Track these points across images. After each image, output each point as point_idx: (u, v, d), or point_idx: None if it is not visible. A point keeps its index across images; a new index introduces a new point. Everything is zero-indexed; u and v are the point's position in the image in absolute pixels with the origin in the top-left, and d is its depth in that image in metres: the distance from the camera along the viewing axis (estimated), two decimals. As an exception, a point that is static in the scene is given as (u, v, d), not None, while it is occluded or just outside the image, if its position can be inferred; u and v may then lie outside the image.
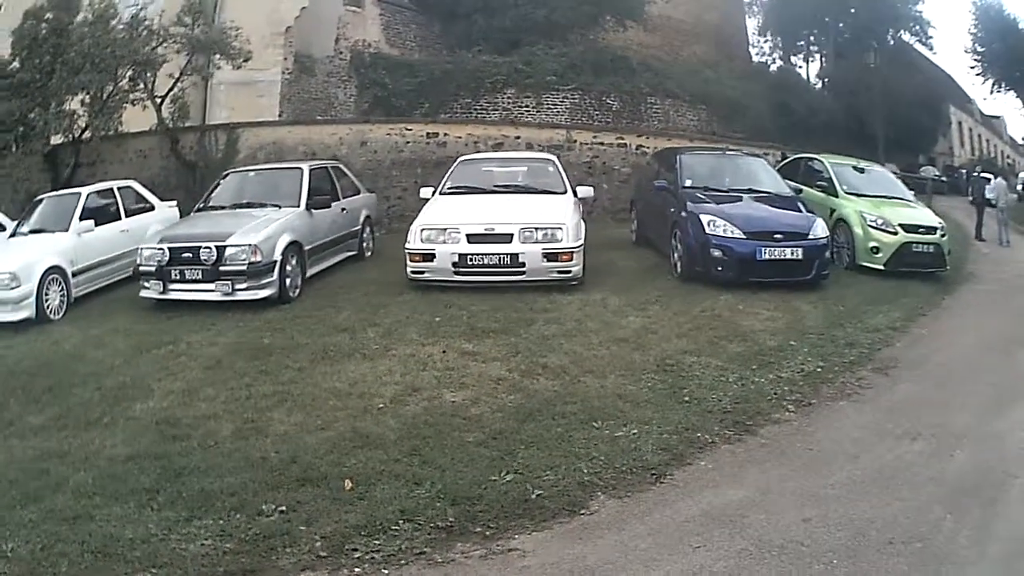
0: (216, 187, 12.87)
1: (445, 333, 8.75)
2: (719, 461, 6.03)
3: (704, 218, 11.43)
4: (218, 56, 18.23)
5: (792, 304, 10.71)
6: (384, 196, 17.75)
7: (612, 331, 9.03)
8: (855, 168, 15.44)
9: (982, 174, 25.81)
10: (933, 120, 38.03)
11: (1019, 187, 33.56)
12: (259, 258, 10.00)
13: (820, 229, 11.73)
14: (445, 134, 19.03)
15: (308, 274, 11.20)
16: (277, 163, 15.81)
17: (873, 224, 13.29)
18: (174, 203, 14.16)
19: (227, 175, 13.37)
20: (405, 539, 4.66)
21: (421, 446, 5.88)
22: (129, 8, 18.32)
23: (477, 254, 10.24)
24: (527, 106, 25.25)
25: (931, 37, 39.55)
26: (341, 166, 14.71)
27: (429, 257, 10.35)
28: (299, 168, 12.53)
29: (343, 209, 13.01)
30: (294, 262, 10.75)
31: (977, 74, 34.46)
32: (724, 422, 6.71)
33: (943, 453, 6.47)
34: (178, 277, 10.19)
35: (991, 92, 35.16)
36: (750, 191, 12.73)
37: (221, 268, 9.93)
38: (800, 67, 40.71)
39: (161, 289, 10.26)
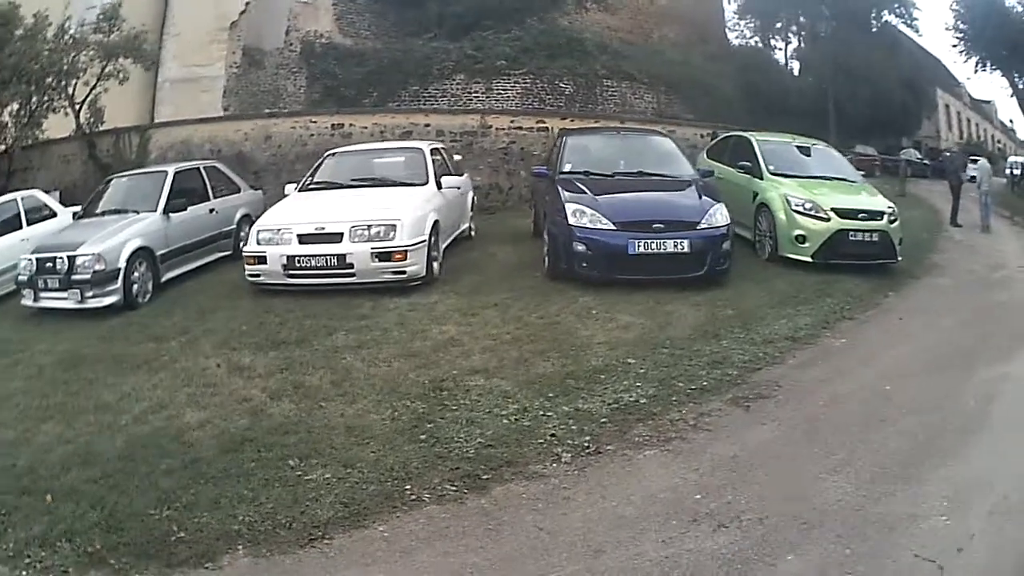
0: (97, 193, 12.02)
1: (239, 343, 7.50)
2: (401, 529, 4.34)
3: (569, 207, 9.19)
4: (129, 60, 17.85)
5: (667, 307, 8.30)
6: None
7: (412, 343, 7.29)
8: (799, 148, 12.63)
9: (970, 156, 22.53)
10: (918, 103, 34.69)
11: (1007, 171, 30.20)
12: (103, 266, 9.42)
13: (718, 217, 9.27)
14: (351, 124, 17.09)
15: (165, 278, 10.41)
16: (151, 167, 14.54)
17: (799, 209, 10.60)
18: (78, 209, 12.99)
19: (109, 180, 12.45)
20: (61, 557, 4.20)
21: (123, 468, 5.07)
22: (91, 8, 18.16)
23: (305, 256, 8.97)
24: (476, 92, 22.87)
25: (916, 19, 36.17)
26: (218, 165, 13.54)
27: (262, 260, 9.13)
28: (164, 171, 11.63)
29: (212, 210, 11.94)
30: (143, 268, 10.01)
31: (960, 52, 30.65)
32: (454, 472, 4.89)
33: (763, 555, 3.96)
34: (44, 286, 9.69)
35: (975, 71, 31.58)
36: (640, 175, 10.37)
37: (73, 277, 9.44)
38: (779, 49, 37.40)
39: (34, 298, 9.80)
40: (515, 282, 9.53)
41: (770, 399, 6.07)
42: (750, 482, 4.73)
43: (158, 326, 8.49)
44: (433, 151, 11.66)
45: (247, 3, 22.62)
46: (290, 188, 11.06)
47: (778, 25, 35.03)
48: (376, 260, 8.81)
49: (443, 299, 8.75)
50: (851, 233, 10.40)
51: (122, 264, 9.58)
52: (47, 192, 13.85)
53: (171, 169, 11.62)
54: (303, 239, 9.00)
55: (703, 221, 9.10)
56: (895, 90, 31.10)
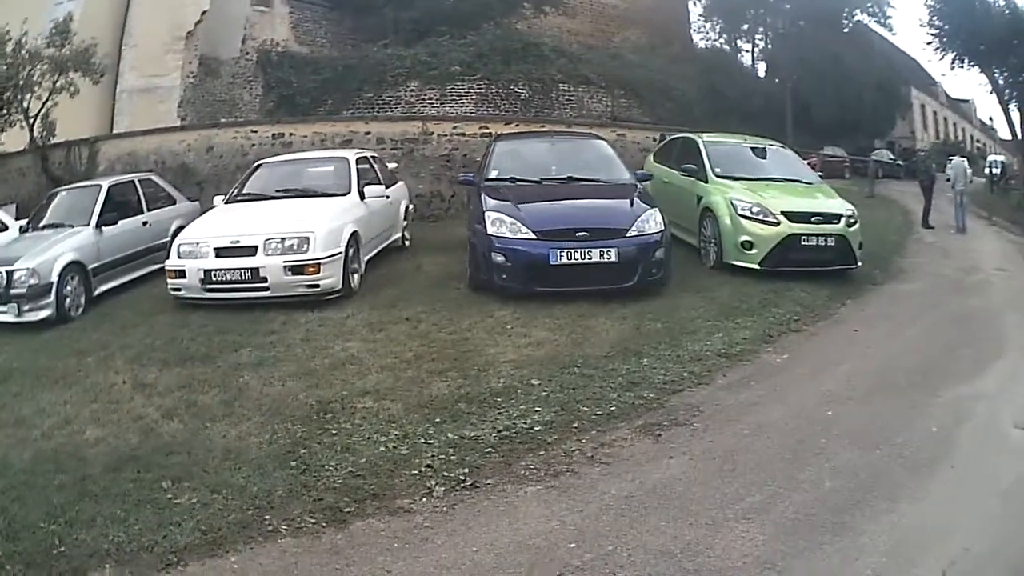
0: (42, 207, 11.84)
1: (149, 359, 7.22)
2: (253, 562, 3.99)
3: (488, 216, 8.59)
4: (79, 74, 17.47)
5: (589, 321, 7.61)
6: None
7: (313, 361, 6.82)
8: (751, 149, 11.76)
9: (948, 155, 21.84)
10: (890, 103, 33.95)
11: (986, 171, 29.52)
12: (36, 280, 9.33)
13: (651, 223, 8.55)
14: (291, 134, 16.58)
15: (98, 291, 10.27)
16: (89, 181, 13.95)
17: (746, 213, 9.79)
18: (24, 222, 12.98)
19: (53, 194, 12.22)
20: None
21: (26, 480, 4.92)
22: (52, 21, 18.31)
23: (220, 269, 8.73)
24: (430, 99, 22.56)
25: (890, 18, 35.34)
26: (153, 177, 13.34)
27: (181, 274, 8.91)
28: (98, 186, 11.53)
29: (145, 223, 11.71)
30: (75, 282, 9.87)
31: (935, 49, 29.72)
32: (317, 503, 4.45)
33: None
34: None
35: (951, 68, 30.65)
36: (570, 180, 9.60)
37: (11, 291, 9.32)
38: (746, 52, 36.56)
39: None
40: (436, 294, 8.92)
41: (686, 427, 5.33)
42: (640, 529, 4.02)
43: (84, 340, 8.28)
44: (361, 160, 11.26)
45: (203, 12, 22.27)
46: (218, 200, 10.77)
47: (744, 27, 34.19)
48: (289, 273, 8.49)
49: (356, 313, 8.26)
50: (803, 238, 9.63)
51: (54, 278, 9.45)
52: (2, 206, 13.71)
53: (105, 183, 11.52)
54: (220, 253, 8.74)
55: (633, 228, 8.37)
56: (866, 90, 30.48)
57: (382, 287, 9.42)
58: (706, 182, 10.63)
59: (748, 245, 9.62)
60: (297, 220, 8.95)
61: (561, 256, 8.10)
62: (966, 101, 53.39)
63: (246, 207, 10.08)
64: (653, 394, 5.82)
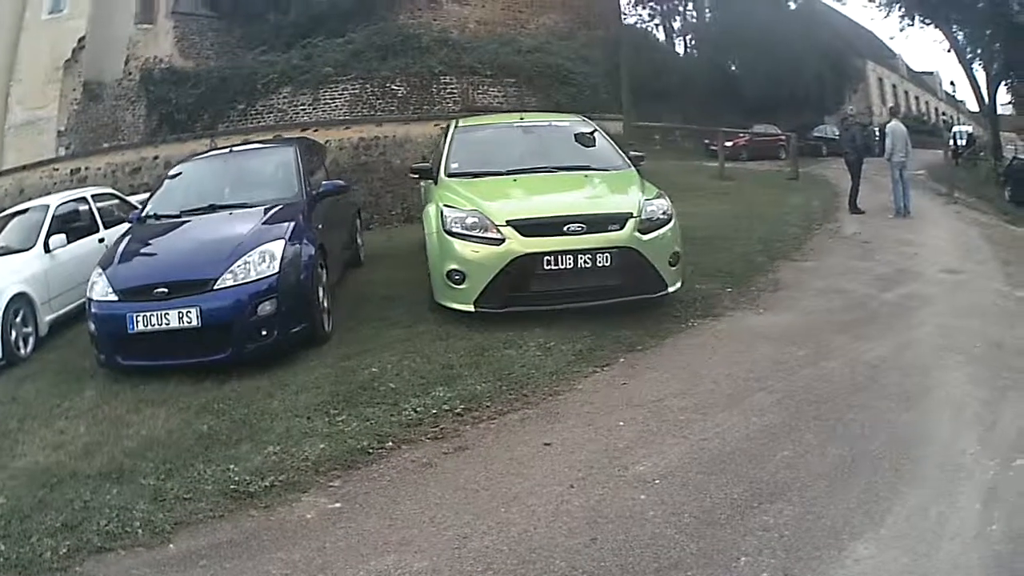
0: None
1: None
2: None
3: (93, 275, 6.85)
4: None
5: (140, 414, 5.52)
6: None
7: None
8: (579, 136, 8.23)
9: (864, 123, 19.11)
10: (839, 77, 30.86)
11: (951, 143, 26.68)
12: None
13: (263, 264, 6.30)
14: (86, 168, 16.07)
15: None
16: None
17: (455, 228, 6.79)
18: None
19: None
20: None
21: None
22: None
23: None
24: (303, 104, 20.93)
25: (835, -14, 32.27)
26: None
27: None
28: None
29: None
30: None
31: (878, 6, 26.41)
32: None
33: None
34: None
35: (900, 29, 27.14)
36: (212, 209, 7.53)
37: None
38: (679, 33, 33.64)
39: None
40: (84, 362, 7.02)
41: None
42: None
43: None
44: (76, 201, 10.18)
45: (80, 39, 21.78)
46: None
47: (675, 3, 31.20)
48: None
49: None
50: (546, 259, 6.48)
51: None
52: None
53: None
54: None
55: (225, 276, 6.22)
56: (809, 64, 27.86)
57: (59, 349, 8.06)
58: (436, 184, 7.86)
59: (458, 277, 6.71)
60: None
61: (138, 322, 6.21)
62: (930, 73, 50.19)
63: None
64: (61, 553, 3.81)
